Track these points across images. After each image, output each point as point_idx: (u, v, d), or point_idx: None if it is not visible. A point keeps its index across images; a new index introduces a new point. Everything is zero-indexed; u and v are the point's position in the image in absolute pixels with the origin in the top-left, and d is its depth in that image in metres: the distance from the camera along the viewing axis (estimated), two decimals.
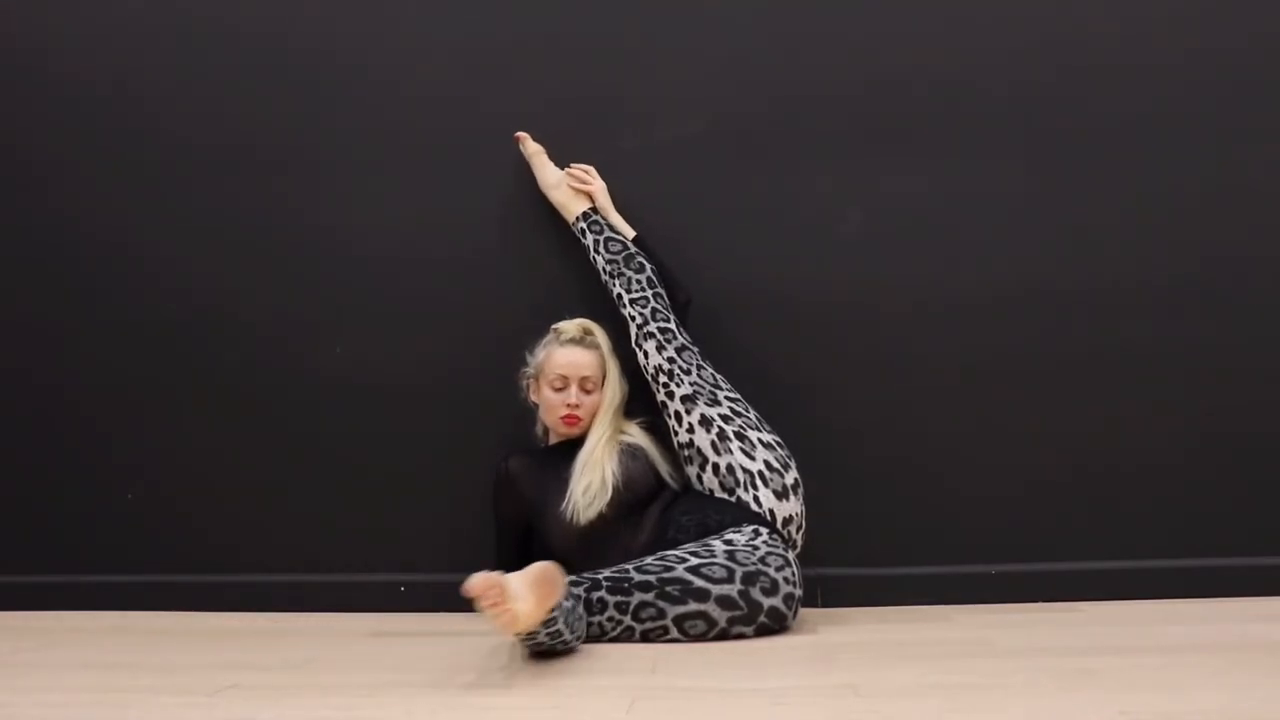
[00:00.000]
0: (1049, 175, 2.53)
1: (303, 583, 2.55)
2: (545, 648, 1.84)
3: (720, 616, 2.00)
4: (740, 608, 2.01)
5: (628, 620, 1.99)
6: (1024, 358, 2.50)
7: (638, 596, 1.99)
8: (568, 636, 1.86)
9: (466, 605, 2.42)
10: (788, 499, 2.23)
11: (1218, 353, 2.47)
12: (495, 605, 1.69)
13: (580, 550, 2.21)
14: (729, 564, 2.03)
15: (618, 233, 2.49)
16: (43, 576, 2.64)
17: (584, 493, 2.24)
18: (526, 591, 1.71)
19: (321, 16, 2.69)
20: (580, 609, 1.94)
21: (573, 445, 2.36)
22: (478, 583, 1.69)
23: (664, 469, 2.35)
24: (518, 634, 1.77)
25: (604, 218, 2.50)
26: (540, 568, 1.75)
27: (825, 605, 2.40)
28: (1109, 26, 2.55)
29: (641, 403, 2.43)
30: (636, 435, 2.37)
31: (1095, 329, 2.49)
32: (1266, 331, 2.47)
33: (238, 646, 2.06)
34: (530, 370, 2.43)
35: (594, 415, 2.37)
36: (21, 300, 2.73)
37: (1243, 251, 2.49)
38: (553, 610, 1.77)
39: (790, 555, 2.12)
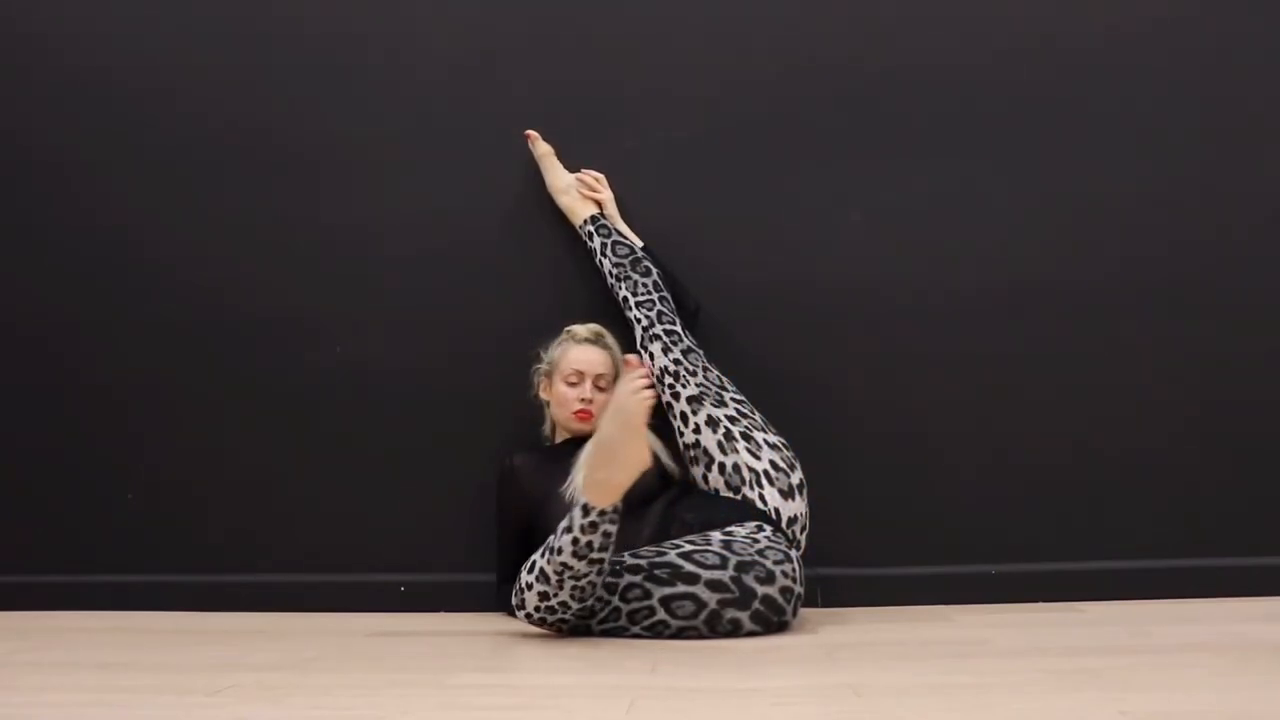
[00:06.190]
0: (1049, 175, 2.53)
1: (303, 583, 2.55)
2: (581, 562, 1.91)
3: (710, 598, 1.99)
4: (731, 591, 2.00)
5: (615, 601, 2.00)
6: (1024, 358, 2.50)
7: (626, 578, 2.01)
8: (605, 563, 1.95)
9: (466, 605, 2.46)
10: (793, 498, 2.23)
11: (1218, 352, 2.47)
12: (647, 382, 1.86)
13: None
14: (723, 552, 2.03)
15: (625, 238, 2.50)
16: (43, 576, 2.64)
17: None
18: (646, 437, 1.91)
19: (320, 17, 2.69)
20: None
21: (577, 444, 2.36)
22: (638, 360, 1.90)
23: (669, 467, 2.35)
24: (601, 506, 1.89)
25: (611, 224, 2.52)
26: None
27: (825, 605, 2.40)
28: (1109, 26, 2.55)
29: None
30: None
31: (1096, 329, 2.49)
32: (1267, 331, 2.47)
33: (238, 646, 2.06)
34: (544, 366, 2.45)
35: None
36: (21, 301, 2.73)
37: (1243, 251, 2.50)
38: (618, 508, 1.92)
39: (792, 553, 2.11)
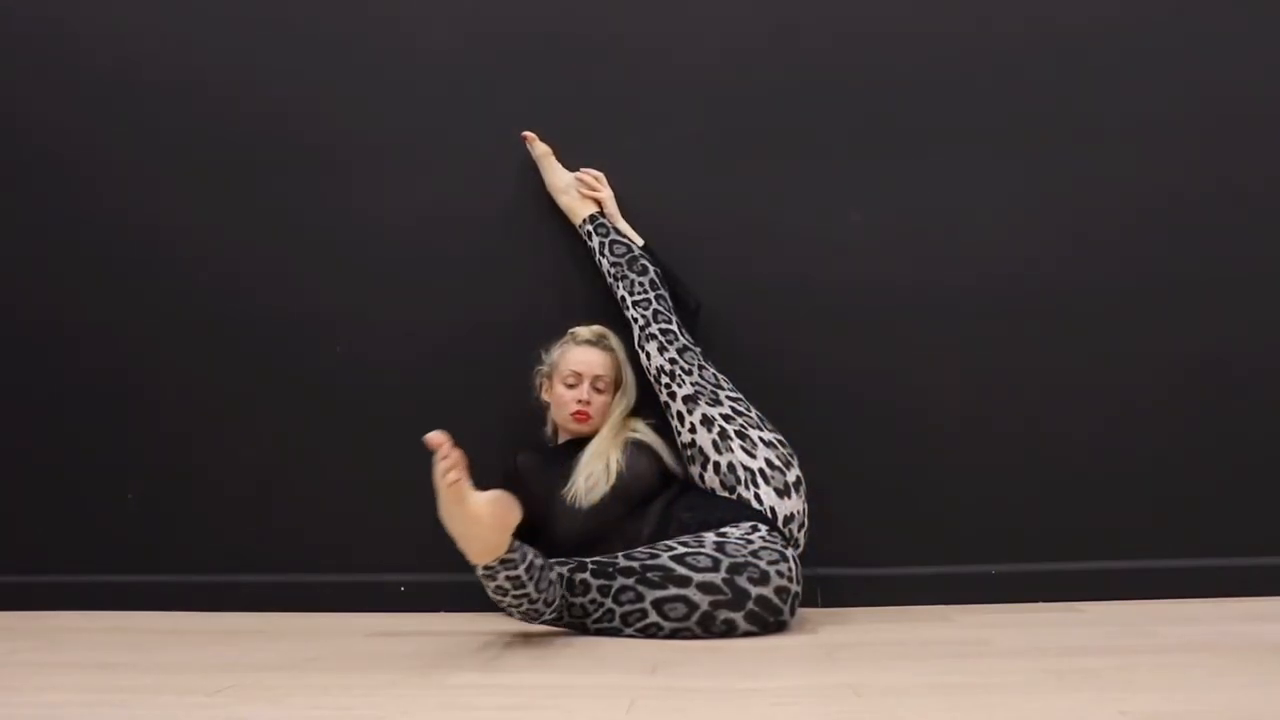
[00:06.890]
0: (1048, 175, 2.53)
1: (303, 583, 2.55)
2: (507, 597, 1.95)
3: (702, 600, 2.00)
4: (724, 593, 2.01)
5: (608, 603, 2.02)
6: (1024, 358, 2.50)
7: (619, 581, 2.03)
8: (533, 593, 1.96)
9: (466, 605, 2.46)
10: (789, 497, 2.23)
11: (1218, 352, 2.47)
12: (449, 464, 1.80)
13: (584, 544, 2.22)
14: (716, 554, 2.04)
15: (624, 237, 2.50)
16: (43, 576, 2.64)
17: (586, 478, 2.25)
18: (485, 503, 1.84)
19: (321, 17, 2.70)
20: (552, 574, 2.02)
21: (580, 444, 2.37)
22: (439, 435, 1.80)
23: (670, 466, 2.36)
24: (480, 564, 1.92)
25: (611, 223, 2.52)
26: (497, 493, 1.87)
27: (825, 605, 2.40)
28: (1109, 25, 2.55)
29: (645, 405, 2.43)
30: (644, 432, 2.38)
31: (1095, 328, 2.49)
32: (1266, 331, 2.47)
33: (238, 646, 2.06)
34: (544, 368, 2.46)
35: (604, 415, 2.39)
36: (20, 300, 2.73)
37: (1243, 251, 2.50)
38: (513, 551, 1.91)
39: (789, 552, 2.11)
